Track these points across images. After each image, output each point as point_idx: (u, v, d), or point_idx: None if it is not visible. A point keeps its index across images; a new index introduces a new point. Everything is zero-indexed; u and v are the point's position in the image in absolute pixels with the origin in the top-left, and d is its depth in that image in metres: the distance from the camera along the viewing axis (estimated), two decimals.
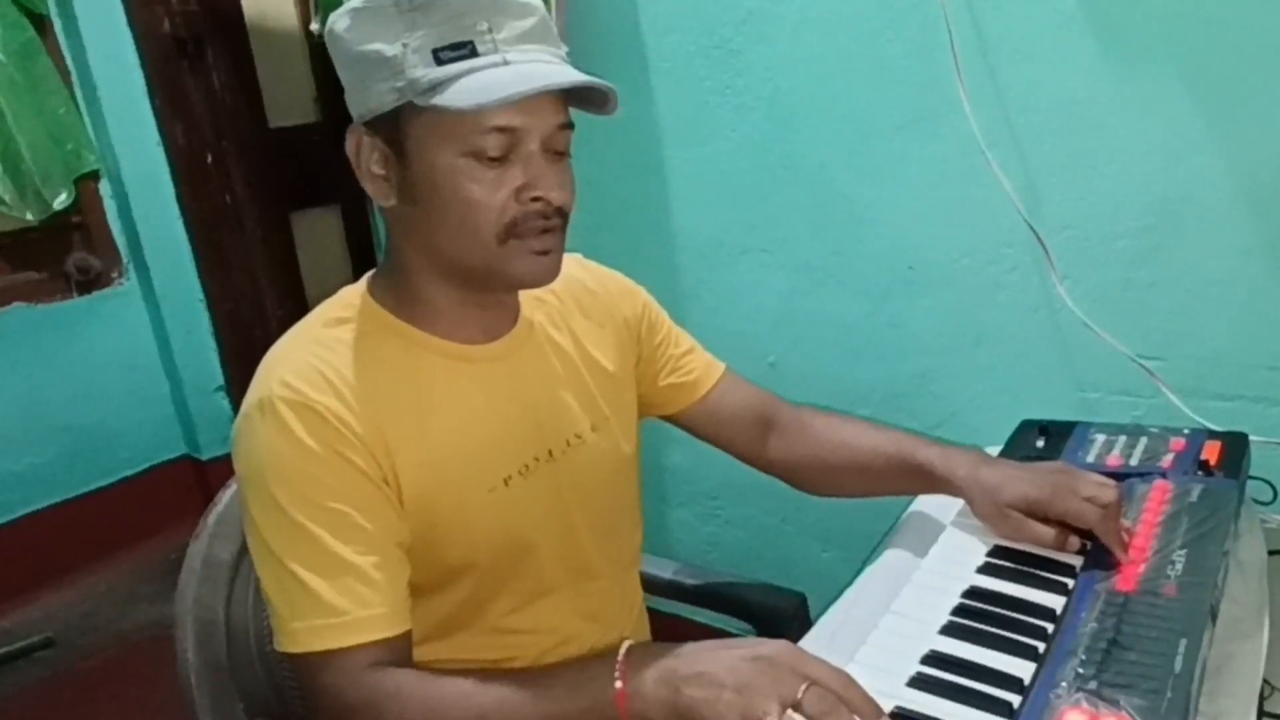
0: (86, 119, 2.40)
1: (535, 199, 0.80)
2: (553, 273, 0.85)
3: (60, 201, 2.33)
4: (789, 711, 0.64)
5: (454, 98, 0.75)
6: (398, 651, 0.79)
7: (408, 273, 0.87)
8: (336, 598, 0.76)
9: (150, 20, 2.42)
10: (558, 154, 0.83)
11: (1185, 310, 1.23)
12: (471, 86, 0.75)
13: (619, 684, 0.70)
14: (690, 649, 0.71)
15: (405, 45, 0.76)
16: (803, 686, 0.64)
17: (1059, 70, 1.23)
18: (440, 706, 0.75)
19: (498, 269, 0.82)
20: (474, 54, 0.77)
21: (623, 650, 0.73)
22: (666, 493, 1.88)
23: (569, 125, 0.83)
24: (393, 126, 0.80)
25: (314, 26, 2.27)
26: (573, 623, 0.95)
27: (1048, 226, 1.28)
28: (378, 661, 0.77)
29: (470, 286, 0.86)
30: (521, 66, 0.78)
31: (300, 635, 0.77)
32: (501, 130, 0.78)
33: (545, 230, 0.82)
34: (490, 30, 0.77)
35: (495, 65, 0.77)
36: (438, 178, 0.79)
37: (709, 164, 1.60)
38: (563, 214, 0.83)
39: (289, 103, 2.79)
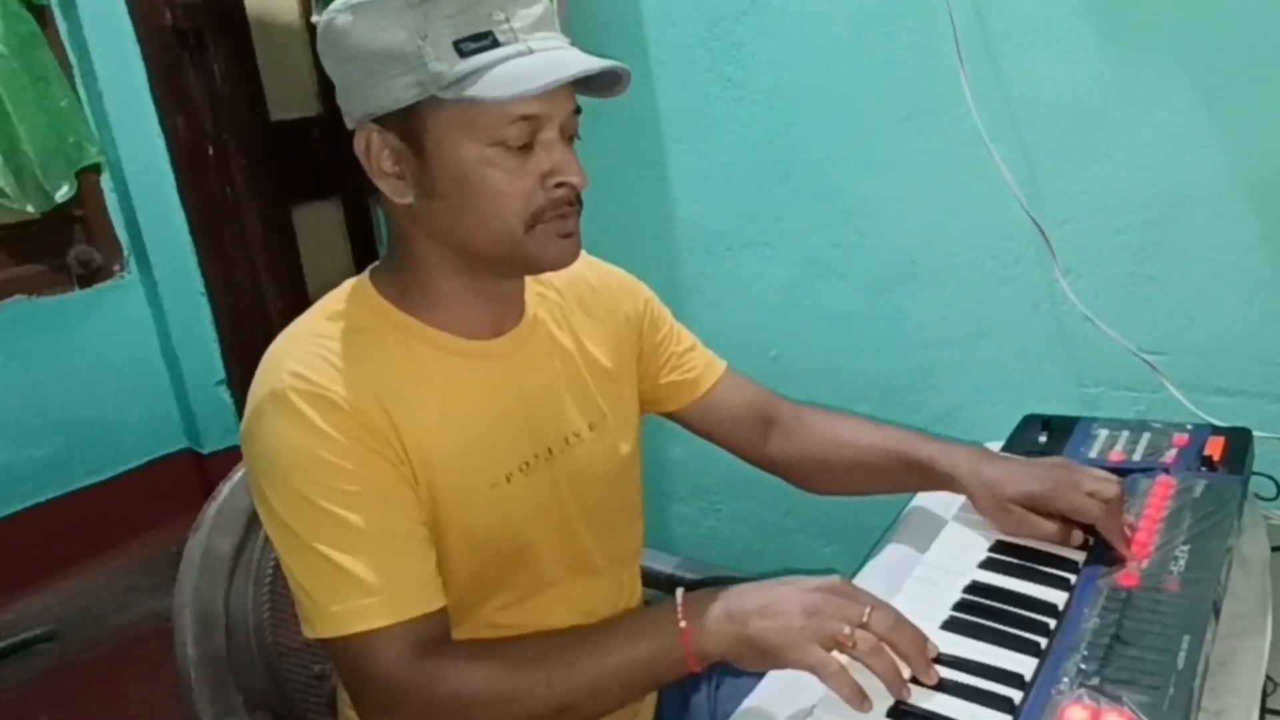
0: (88, 111, 2.40)
1: (559, 184, 0.81)
2: (576, 254, 0.86)
3: (61, 194, 2.33)
4: (858, 630, 0.69)
5: (487, 88, 0.75)
6: (439, 626, 0.79)
7: (418, 267, 0.86)
8: (374, 576, 0.76)
9: (151, 12, 2.41)
10: (571, 138, 0.84)
11: (1188, 305, 1.23)
12: (503, 76, 0.75)
13: (683, 623, 0.73)
14: (746, 587, 0.75)
15: (423, 38, 0.75)
16: (867, 609, 0.70)
17: (1062, 63, 1.22)
18: (501, 671, 0.75)
19: (524, 255, 0.83)
20: (495, 44, 0.76)
21: (680, 595, 0.76)
22: (667, 487, 1.88)
23: (579, 110, 0.84)
24: (409, 122, 0.79)
25: (315, 19, 2.27)
26: (570, 618, 0.95)
27: (1050, 220, 1.27)
28: (422, 637, 0.77)
29: (490, 276, 0.87)
30: (548, 54, 0.78)
31: (341, 617, 0.76)
32: (526, 119, 0.78)
33: (567, 214, 0.83)
34: (507, 19, 0.77)
35: (521, 54, 0.77)
36: (465, 170, 0.79)
37: (709, 157, 1.59)
38: (579, 198, 0.84)
39: (290, 96, 2.78)
